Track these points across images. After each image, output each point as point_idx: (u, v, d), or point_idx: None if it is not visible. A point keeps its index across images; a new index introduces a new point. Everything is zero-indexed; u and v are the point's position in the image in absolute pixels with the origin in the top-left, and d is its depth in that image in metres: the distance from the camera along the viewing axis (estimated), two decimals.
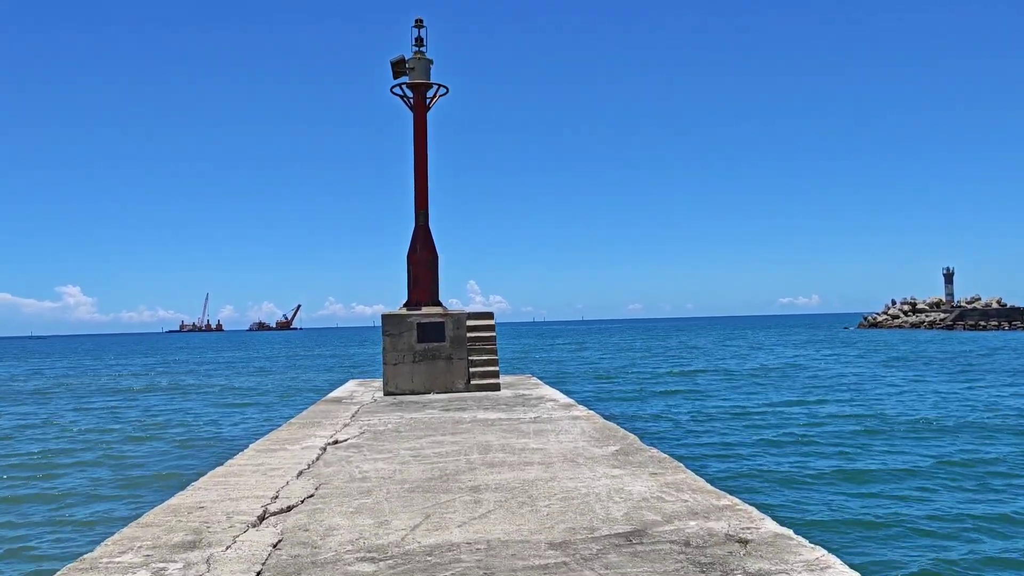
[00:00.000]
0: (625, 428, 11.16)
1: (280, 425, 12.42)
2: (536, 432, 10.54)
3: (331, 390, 20.39)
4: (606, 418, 12.18)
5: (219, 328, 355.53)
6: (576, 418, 11.93)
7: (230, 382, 44.74)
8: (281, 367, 59.75)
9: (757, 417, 23.03)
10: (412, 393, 16.75)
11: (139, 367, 66.40)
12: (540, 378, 22.37)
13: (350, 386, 20.09)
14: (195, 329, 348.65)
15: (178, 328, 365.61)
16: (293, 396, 33.91)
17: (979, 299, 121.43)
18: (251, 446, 10.01)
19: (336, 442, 10.22)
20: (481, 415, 12.69)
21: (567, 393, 17.80)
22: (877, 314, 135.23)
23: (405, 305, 17.69)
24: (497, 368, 17.60)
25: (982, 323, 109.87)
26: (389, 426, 11.68)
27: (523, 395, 16.00)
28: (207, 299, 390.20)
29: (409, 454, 9.05)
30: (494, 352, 17.90)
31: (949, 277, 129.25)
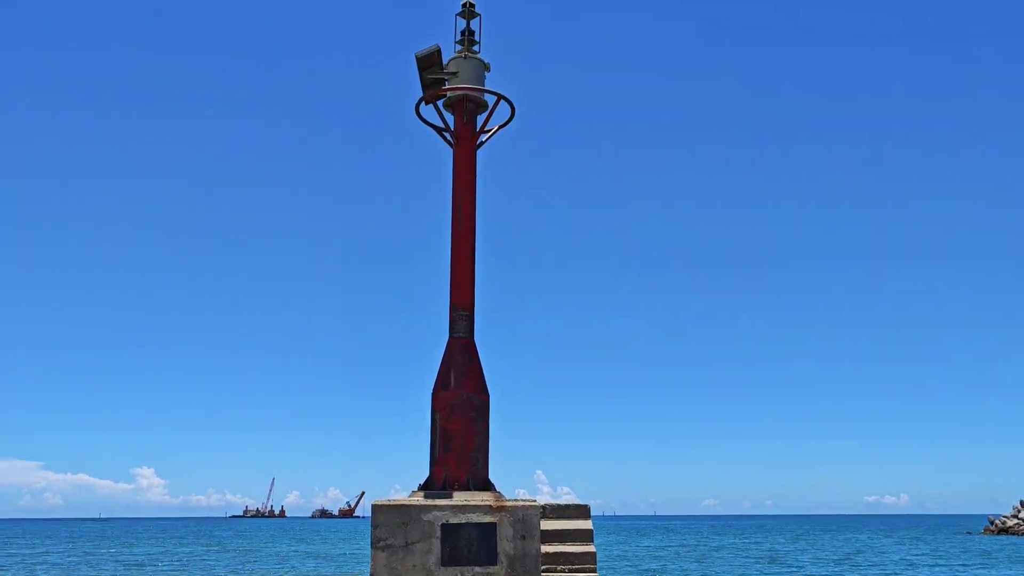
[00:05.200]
0: None
1: None
2: None
3: None
4: None
5: (282, 514, 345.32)
6: None
7: None
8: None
9: None
10: None
11: None
12: None
13: None
14: (259, 515, 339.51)
15: (242, 513, 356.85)
16: None
17: None
18: None
19: None
20: None
21: None
22: (1006, 517, 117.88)
23: (423, 488, 9.29)
24: None
25: None
26: None
27: None
28: (272, 483, 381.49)
29: None
30: None
31: None
